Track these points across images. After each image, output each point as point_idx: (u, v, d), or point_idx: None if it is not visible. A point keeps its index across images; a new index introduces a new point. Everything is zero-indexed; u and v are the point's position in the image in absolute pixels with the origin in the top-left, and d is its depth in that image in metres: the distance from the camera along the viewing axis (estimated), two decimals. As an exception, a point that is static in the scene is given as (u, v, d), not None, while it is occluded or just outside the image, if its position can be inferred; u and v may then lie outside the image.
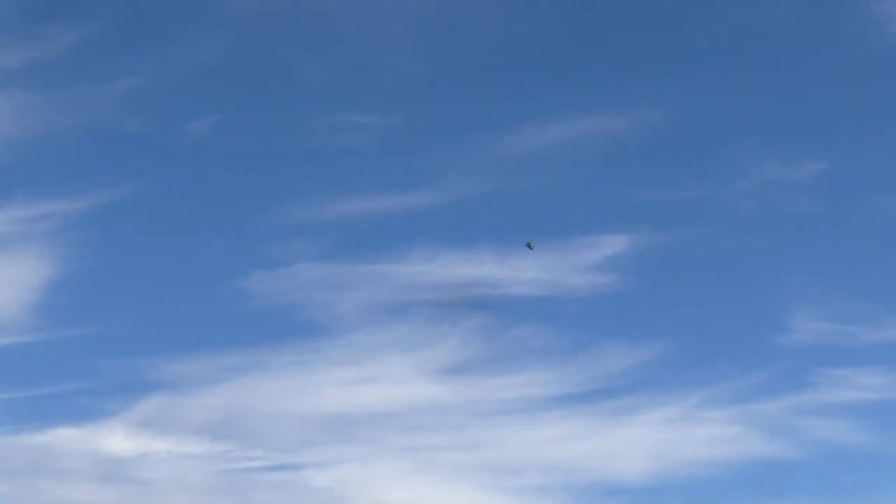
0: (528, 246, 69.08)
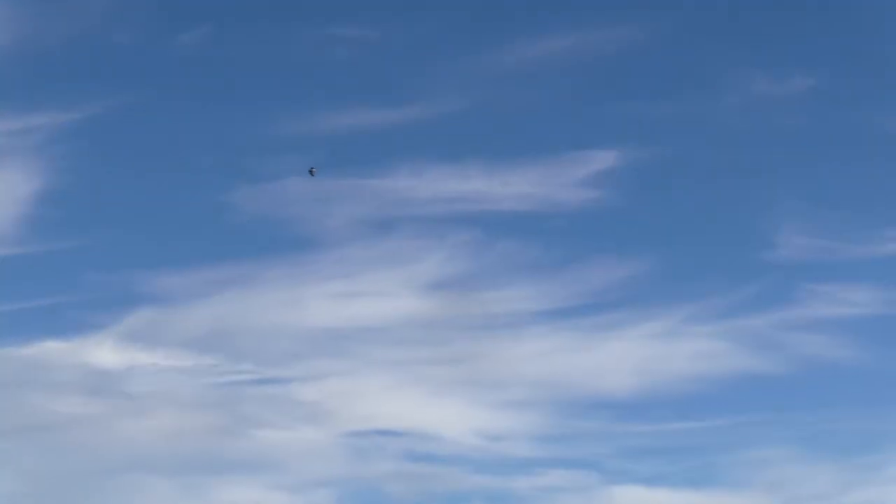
0: (310, 172, 68.40)
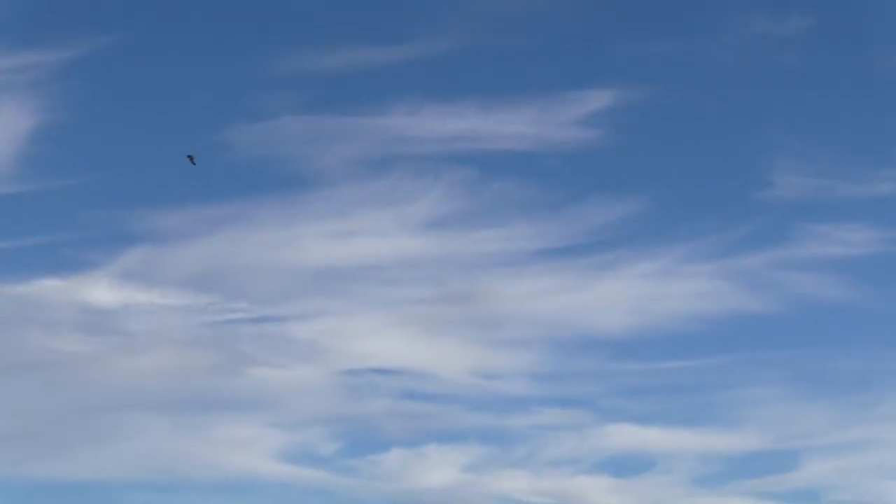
0: (190, 159, 67.98)
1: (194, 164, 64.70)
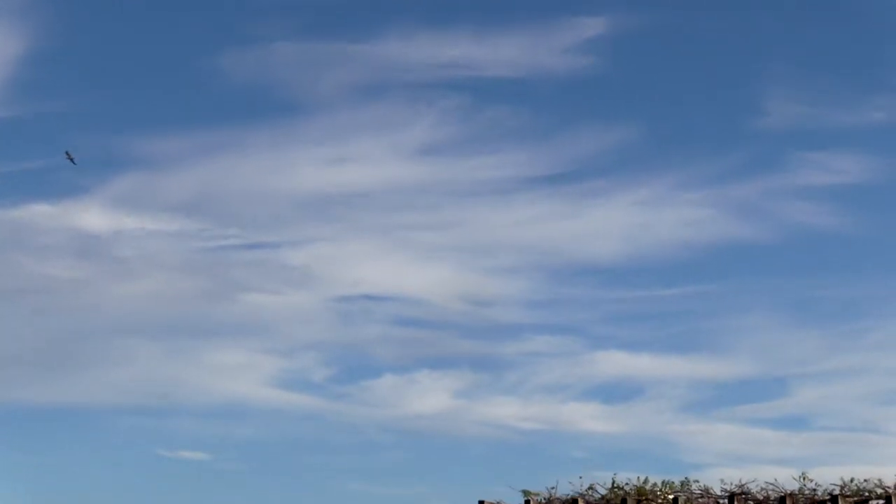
0: (69, 157, 67.42)
1: (74, 163, 64.52)
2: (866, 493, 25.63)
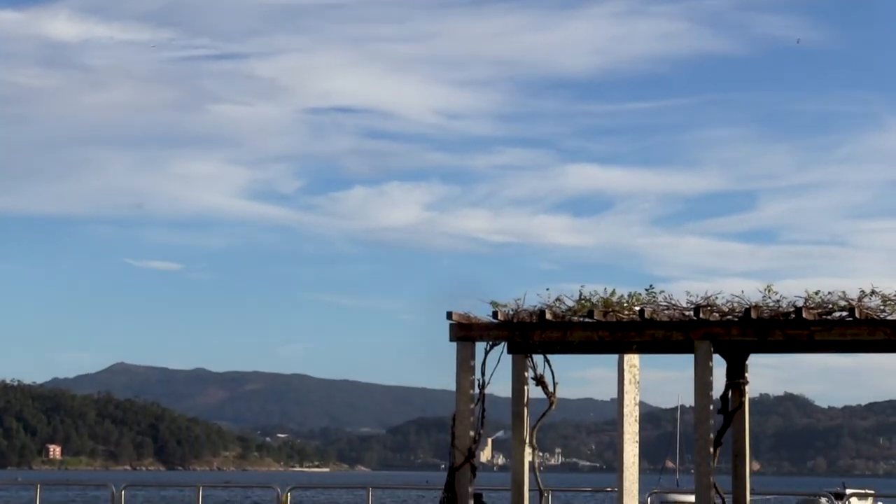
0: None
1: None
2: (830, 306, 25.96)
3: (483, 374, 27.64)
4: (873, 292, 25.75)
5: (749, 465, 28.00)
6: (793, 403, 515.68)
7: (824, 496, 48.19)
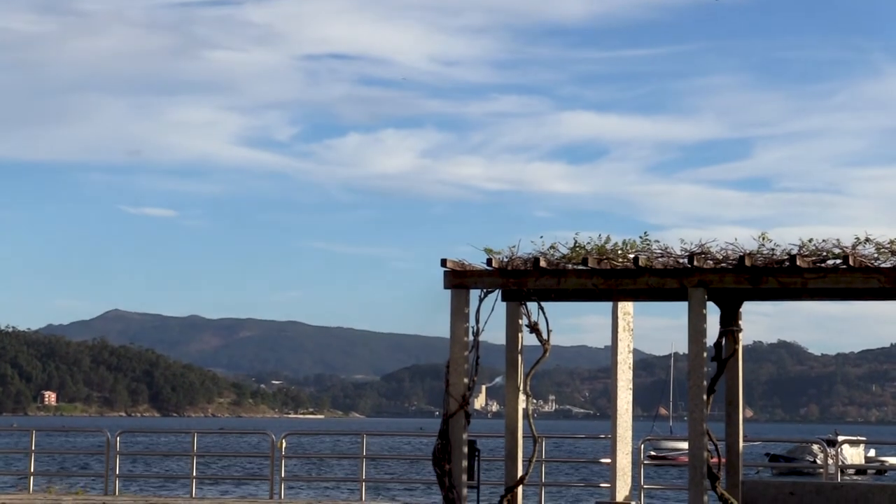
0: None
1: None
2: (824, 253, 25.92)
3: (477, 321, 27.62)
4: (867, 240, 25.71)
5: (742, 412, 28.03)
6: (786, 351, 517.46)
7: (817, 443, 48.33)
